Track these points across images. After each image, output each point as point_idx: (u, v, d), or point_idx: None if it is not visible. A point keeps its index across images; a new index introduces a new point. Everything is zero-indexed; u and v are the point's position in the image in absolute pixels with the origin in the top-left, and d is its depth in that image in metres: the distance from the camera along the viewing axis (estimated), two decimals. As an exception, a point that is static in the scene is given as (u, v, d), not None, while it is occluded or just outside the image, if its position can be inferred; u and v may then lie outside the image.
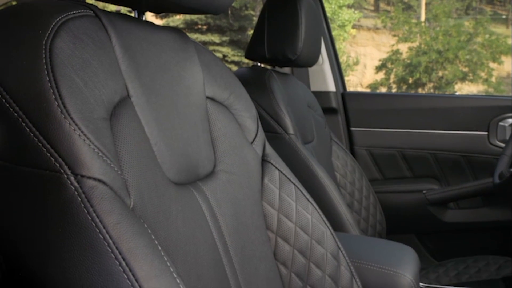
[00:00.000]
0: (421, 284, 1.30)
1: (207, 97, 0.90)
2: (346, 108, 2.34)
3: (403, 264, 1.17)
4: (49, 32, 0.59)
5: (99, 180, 0.55)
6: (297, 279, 0.99)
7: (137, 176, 0.63)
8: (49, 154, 0.55)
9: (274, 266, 0.96)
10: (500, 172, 1.73)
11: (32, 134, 0.55)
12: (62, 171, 0.54)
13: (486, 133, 2.17)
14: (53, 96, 0.56)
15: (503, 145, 2.10)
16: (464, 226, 2.17)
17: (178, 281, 0.56)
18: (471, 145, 2.19)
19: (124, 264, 0.52)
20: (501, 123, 2.16)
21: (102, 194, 0.55)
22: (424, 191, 2.17)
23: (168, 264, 0.56)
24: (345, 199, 1.82)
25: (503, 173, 1.71)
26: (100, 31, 0.68)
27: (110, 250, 0.53)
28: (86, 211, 0.53)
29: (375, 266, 1.15)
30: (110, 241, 0.53)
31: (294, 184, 1.03)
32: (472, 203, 2.17)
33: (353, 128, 2.32)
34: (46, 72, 0.57)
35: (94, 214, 0.53)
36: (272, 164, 1.02)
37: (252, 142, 1.00)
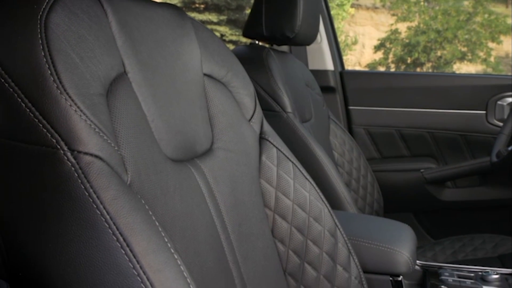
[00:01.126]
0: (417, 261, 1.30)
1: (205, 74, 0.90)
2: (344, 87, 2.33)
3: (400, 242, 1.17)
4: (44, 7, 0.59)
5: (96, 156, 0.55)
6: (294, 256, 0.99)
7: (134, 152, 0.63)
8: (45, 130, 0.54)
9: (271, 243, 0.96)
10: (498, 151, 1.73)
11: (28, 110, 0.55)
12: (58, 147, 0.54)
13: (484, 112, 2.17)
14: (49, 72, 0.55)
15: (501, 124, 2.09)
16: (461, 205, 2.18)
17: (176, 256, 0.56)
18: (469, 124, 2.19)
19: (121, 239, 0.52)
20: (499, 102, 2.16)
21: (99, 170, 0.55)
22: (422, 170, 2.17)
23: (166, 240, 0.56)
24: (343, 177, 1.82)
25: (501, 152, 1.71)
26: (96, 6, 0.67)
27: (107, 225, 0.53)
28: (83, 187, 0.53)
29: (373, 244, 1.16)
30: (107, 216, 0.53)
31: (292, 162, 1.03)
32: (470, 182, 2.18)
33: (351, 107, 2.31)
34: (41, 47, 0.56)
35: (91, 190, 0.53)
36: (270, 141, 1.02)
37: (250, 119, 1.00)
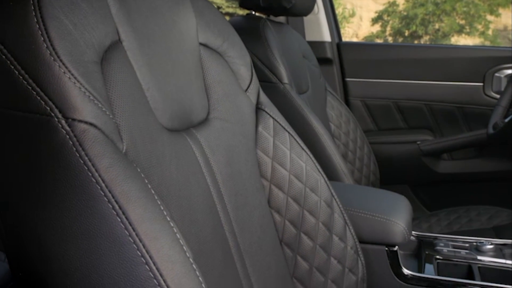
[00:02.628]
0: (413, 232, 1.31)
1: (200, 44, 0.89)
2: (341, 59, 2.31)
3: (396, 212, 1.18)
4: None
5: (91, 124, 0.55)
6: (291, 226, 0.99)
7: (129, 120, 0.63)
8: (39, 98, 0.54)
9: (268, 214, 0.96)
10: (495, 123, 1.73)
11: (21, 78, 0.54)
12: (52, 114, 0.54)
13: (481, 84, 2.16)
14: (42, 38, 0.54)
15: (498, 96, 2.09)
16: (457, 177, 2.19)
17: (172, 224, 0.56)
18: (466, 96, 2.19)
19: (117, 207, 0.52)
20: (496, 74, 2.15)
21: (94, 138, 0.54)
22: (418, 142, 2.17)
23: (162, 208, 0.56)
24: (340, 149, 1.82)
25: (498, 124, 1.71)
26: None
27: (102, 193, 0.52)
28: (78, 155, 0.53)
29: (368, 214, 1.16)
30: (103, 184, 0.53)
31: (289, 132, 1.03)
32: (466, 154, 2.18)
33: (348, 79, 2.30)
34: (34, 13, 0.55)
35: (86, 158, 0.53)
36: (266, 112, 1.01)
37: (246, 90, 0.99)
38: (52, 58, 0.54)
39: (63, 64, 0.54)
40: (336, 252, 1.04)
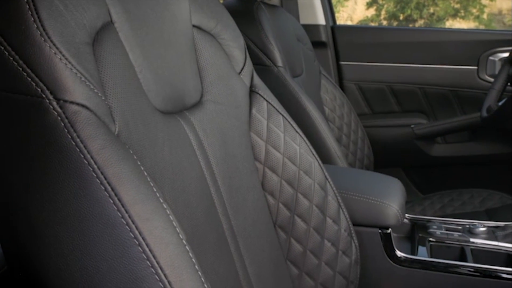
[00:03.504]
0: (406, 215, 1.32)
1: (193, 26, 0.88)
2: (335, 42, 2.30)
3: (390, 195, 1.18)
4: None
5: (82, 105, 0.54)
6: (284, 209, 0.99)
7: (122, 102, 0.62)
8: (29, 79, 0.53)
9: (261, 196, 0.96)
10: (488, 106, 1.73)
11: (11, 58, 0.54)
12: (43, 96, 0.53)
13: (475, 67, 2.16)
14: (32, 19, 0.54)
15: (492, 79, 2.09)
16: (450, 160, 2.19)
17: (165, 206, 0.55)
18: (460, 80, 2.18)
19: (109, 189, 0.52)
20: (491, 58, 2.15)
21: (85, 119, 0.54)
22: (412, 126, 2.17)
23: (155, 190, 0.56)
24: (334, 133, 1.82)
25: (491, 107, 1.71)
26: None
27: (95, 175, 0.52)
28: (69, 136, 0.52)
29: (362, 197, 1.16)
30: (95, 166, 0.52)
31: (282, 115, 1.03)
32: (459, 138, 2.19)
33: (342, 62, 2.30)
34: None
35: (78, 140, 0.53)
36: (260, 95, 1.01)
37: (240, 72, 0.99)
38: (43, 39, 0.53)
39: (54, 45, 0.54)
40: (329, 234, 1.04)
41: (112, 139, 0.55)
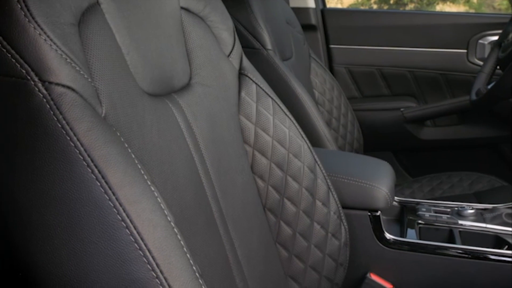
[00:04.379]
0: (395, 198, 1.32)
1: (182, 8, 0.87)
2: (325, 25, 2.29)
3: (379, 178, 1.18)
4: None
5: (68, 87, 0.53)
6: (274, 192, 0.99)
7: (109, 84, 0.61)
8: (14, 60, 0.52)
9: (251, 179, 0.96)
10: (478, 89, 1.74)
11: None
12: (28, 77, 0.52)
13: (465, 51, 2.16)
14: None
15: (481, 63, 2.09)
16: (440, 143, 2.20)
17: (153, 188, 0.55)
18: (450, 63, 2.19)
19: (96, 171, 0.51)
20: (480, 41, 2.15)
21: (71, 101, 0.53)
22: (402, 109, 2.18)
23: (142, 172, 0.55)
24: (323, 116, 1.81)
25: (480, 90, 1.71)
26: None
27: (81, 157, 0.51)
28: (55, 119, 0.52)
29: (351, 180, 1.17)
30: (82, 148, 0.52)
31: (272, 98, 1.02)
32: (449, 121, 2.20)
33: (332, 45, 2.29)
34: None
35: (64, 122, 0.52)
36: (249, 77, 1.00)
37: (229, 55, 0.98)
38: (27, 19, 0.53)
39: (38, 25, 0.53)
40: (319, 217, 1.04)
41: (99, 121, 0.55)
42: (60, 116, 0.52)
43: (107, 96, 0.60)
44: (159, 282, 0.51)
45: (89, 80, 0.57)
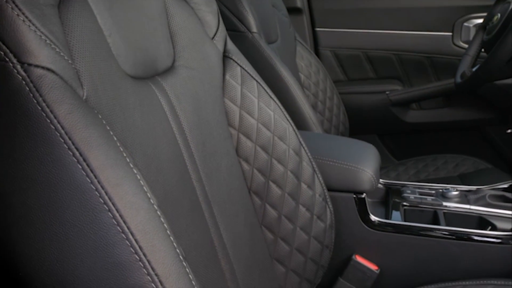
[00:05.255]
0: (380, 180, 1.33)
1: None
2: (311, 8, 2.28)
3: (364, 160, 1.19)
4: None
5: (48, 69, 0.53)
6: (259, 175, 0.99)
7: (90, 66, 0.60)
8: None
9: (236, 162, 0.96)
10: (462, 72, 1.74)
11: None
12: (7, 59, 0.51)
13: (450, 33, 2.16)
14: None
15: (466, 46, 2.10)
16: (425, 126, 2.21)
17: (135, 171, 0.55)
18: (435, 46, 2.19)
19: (77, 154, 0.51)
20: (465, 24, 2.15)
21: (51, 83, 0.52)
22: (387, 92, 2.18)
23: (124, 155, 0.55)
24: (309, 100, 1.81)
25: (465, 73, 1.71)
26: None
27: (62, 140, 0.51)
28: (35, 101, 0.51)
29: (337, 162, 1.17)
30: (62, 131, 0.51)
31: (256, 81, 1.02)
32: (434, 104, 2.20)
33: (318, 29, 2.28)
34: None
35: (44, 104, 0.51)
36: (233, 60, 1.00)
37: (213, 37, 0.97)
38: (4, 0, 0.52)
39: (16, 6, 0.52)
40: (304, 200, 1.04)
41: (80, 103, 0.54)
42: (40, 99, 0.51)
43: (88, 78, 0.59)
44: (142, 265, 0.51)
45: (70, 62, 0.56)
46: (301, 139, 1.05)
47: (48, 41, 0.54)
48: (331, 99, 1.94)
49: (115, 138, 0.55)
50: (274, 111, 1.02)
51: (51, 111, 0.51)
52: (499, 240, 1.12)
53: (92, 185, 0.50)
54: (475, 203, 1.25)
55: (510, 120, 2.08)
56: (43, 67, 0.52)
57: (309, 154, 1.06)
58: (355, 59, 2.26)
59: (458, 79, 1.74)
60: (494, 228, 1.18)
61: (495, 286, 1.04)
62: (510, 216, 1.20)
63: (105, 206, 0.50)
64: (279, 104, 1.04)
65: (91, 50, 0.62)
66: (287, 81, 1.48)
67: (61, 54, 0.55)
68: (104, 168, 0.52)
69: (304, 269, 1.06)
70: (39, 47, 0.52)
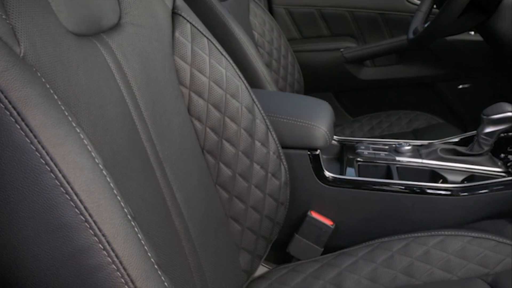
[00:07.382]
0: (335, 137, 1.33)
1: None
2: None
3: (318, 117, 1.19)
4: None
5: None
6: (212, 133, 0.98)
7: (27, 22, 0.57)
8: None
9: (188, 121, 0.94)
10: (415, 28, 1.75)
11: None
12: None
13: None
14: None
15: (419, 2, 2.10)
16: (379, 83, 2.23)
17: (78, 130, 0.53)
18: (388, 3, 2.19)
19: (15, 113, 0.48)
20: None
21: None
22: (342, 49, 2.18)
23: (66, 114, 0.53)
24: (264, 58, 1.79)
25: (417, 29, 1.73)
26: None
27: None
28: None
29: (290, 119, 1.16)
30: None
31: (207, 38, 0.99)
32: (387, 61, 2.22)
33: None
34: None
35: None
36: (183, 17, 0.97)
37: None
38: None
39: None
40: (258, 157, 1.04)
41: (16, 60, 0.51)
42: None
43: (26, 34, 0.56)
44: (88, 226, 0.49)
45: (4, 17, 0.53)
46: (253, 97, 1.04)
47: None
48: (285, 58, 1.93)
49: (56, 97, 0.53)
50: (226, 69, 1.00)
51: None
52: (449, 192, 1.15)
53: (32, 145, 0.48)
54: (427, 157, 1.27)
55: (461, 76, 2.11)
56: None
57: (262, 111, 1.05)
58: (309, 16, 2.25)
59: (411, 35, 1.75)
60: (445, 180, 1.21)
61: (446, 236, 1.07)
62: (460, 169, 1.23)
63: (46, 166, 0.49)
64: (231, 62, 1.02)
65: (28, 5, 0.59)
66: (239, 38, 1.46)
67: None
68: (44, 127, 0.49)
69: (259, 226, 1.06)
70: None
